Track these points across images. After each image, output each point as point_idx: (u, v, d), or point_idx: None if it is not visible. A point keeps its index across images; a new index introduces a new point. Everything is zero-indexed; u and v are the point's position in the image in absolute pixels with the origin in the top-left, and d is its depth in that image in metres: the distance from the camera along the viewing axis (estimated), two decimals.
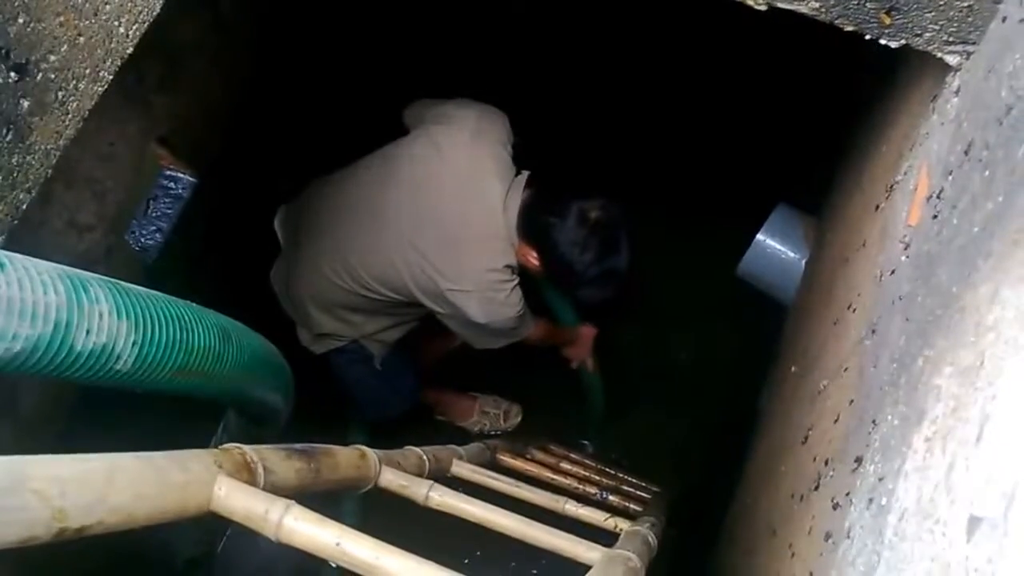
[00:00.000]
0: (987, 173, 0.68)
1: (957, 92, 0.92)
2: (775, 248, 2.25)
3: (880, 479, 0.69)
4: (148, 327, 0.61)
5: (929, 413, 0.60)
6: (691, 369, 2.91)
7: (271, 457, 0.84)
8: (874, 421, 0.78)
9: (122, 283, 0.63)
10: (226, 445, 0.79)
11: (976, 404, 0.50)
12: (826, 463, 0.96)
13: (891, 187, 1.12)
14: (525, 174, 1.91)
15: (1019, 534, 0.39)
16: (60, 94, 0.85)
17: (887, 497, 0.65)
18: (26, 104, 0.82)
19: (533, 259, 1.88)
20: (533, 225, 1.84)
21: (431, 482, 1.09)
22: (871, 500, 0.70)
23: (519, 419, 2.82)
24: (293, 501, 0.75)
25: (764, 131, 2.66)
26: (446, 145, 1.91)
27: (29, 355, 0.51)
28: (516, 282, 1.93)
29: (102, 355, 0.57)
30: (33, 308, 0.49)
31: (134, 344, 0.60)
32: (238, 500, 0.72)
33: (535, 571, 2.38)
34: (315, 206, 2.08)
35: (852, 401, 0.93)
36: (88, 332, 0.55)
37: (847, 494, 0.80)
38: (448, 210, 1.89)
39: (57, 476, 0.51)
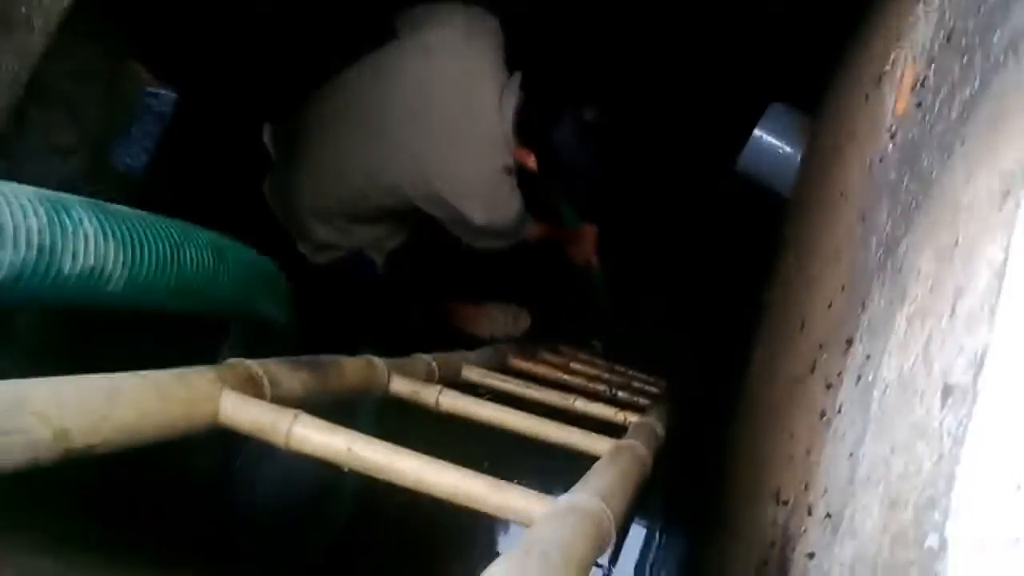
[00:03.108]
0: (965, 60, 0.69)
1: None
2: (772, 143, 2.28)
3: (867, 357, 0.71)
4: (137, 248, 0.61)
5: (910, 292, 0.61)
6: (695, 263, 2.93)
7: (276, 370, 0.85)
8: (863, 304, 0.80)
9: (106, 204, 0.63)
10: (230, 360, 0.80)
11: (951, 280, 0.51)
12: (820, 347, 0.98)
13: (880, 77, 1.12)
14: (518, 75, 1.88)
15: (985, 399, 0.41)
16: (24, 9, 0.83)
17: (873, 372, 0.67)
18: None
19: (531, 161, 1.87)
20: (528, 127, 1.83)
21: (440, 387, 1.11)
22: (859, 377, 0.72)
23: (528, 323, 2.85)
24: (300, 411, 0.77)
25: (759, 33, 2.59)
26: (438, 49, 1.86)
27: (15, 281, 0.51)
28: (514, 182, 1.92)
29: (91, 278, 0.57)
30: (15, 233, 0.50)
31: (123, 266, 0.60)
32: (244, 413, 0.74)
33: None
34: (308, 117, 2.06)
35: (844, 287, 0.94)
36: (75, 256, 0.54)
37: (839, 374, 0.82)
38: (443, 114, 1.86)
39: (57, 398, 0.53)
